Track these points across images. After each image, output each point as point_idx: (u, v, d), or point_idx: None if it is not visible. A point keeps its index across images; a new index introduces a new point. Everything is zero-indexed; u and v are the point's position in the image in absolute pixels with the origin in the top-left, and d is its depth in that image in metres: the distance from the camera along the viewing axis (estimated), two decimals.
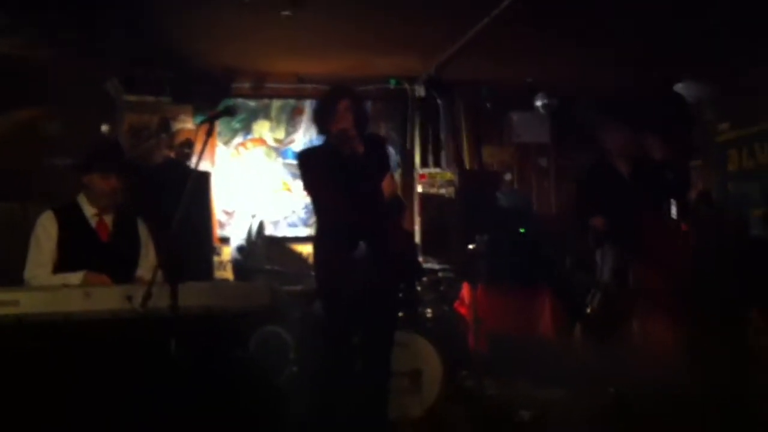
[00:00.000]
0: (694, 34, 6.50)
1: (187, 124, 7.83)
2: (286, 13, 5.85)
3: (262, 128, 8.14)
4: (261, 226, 7.39)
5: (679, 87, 7.95)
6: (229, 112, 4.05)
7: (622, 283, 5.20)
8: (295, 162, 7.85)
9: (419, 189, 8.23)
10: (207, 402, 3.42)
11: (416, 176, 8.32)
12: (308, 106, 8.04)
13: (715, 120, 7.90)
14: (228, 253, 7.49)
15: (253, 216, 7.39)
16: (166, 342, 3.20)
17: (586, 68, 7.56)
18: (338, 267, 4.21)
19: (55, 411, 3.22)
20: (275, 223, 7.99)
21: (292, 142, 8.13)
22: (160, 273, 3.35)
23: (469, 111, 8.60)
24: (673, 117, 7.76)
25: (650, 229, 5.13)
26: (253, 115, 8.12)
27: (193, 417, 3.29)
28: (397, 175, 8.14)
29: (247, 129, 8.09)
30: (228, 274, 7.47)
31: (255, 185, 7.99)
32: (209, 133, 3.61)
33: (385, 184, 4.23)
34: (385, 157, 4.53)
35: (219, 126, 7.82)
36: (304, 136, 8.10)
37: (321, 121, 4.31)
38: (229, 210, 7.87)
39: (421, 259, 6.93)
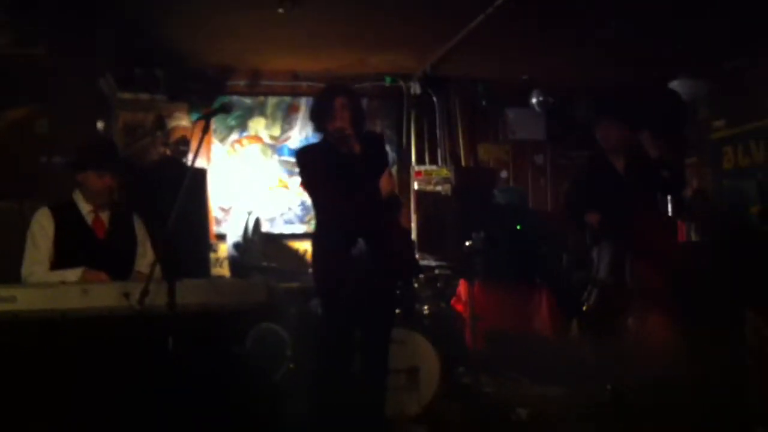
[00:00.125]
0: (691, 33, 6.51)
1: (182, 121, 7.80)
2: (281, 10, 5.85)
3: (258, 125, 8.13)
4: (257, 223, 7.38)
5: (674, 84, 7.96)
6: (225, 110, 4.05)
7: (618, 280, 5.22)
8: (291, 159, 7.89)
9: (415, 186, 8.23)
10: (204, 399, 3.42)
11: (412, 173, 8.32)
12: (304, 103, 8.03)
13: (710, 117, 7.91)
14: (224, 249, 7.49)
15: (250, 213, 7.38)
16: (163, 339, 3.20)
17: (582, 65, 7.57)
18: (336, 264, 4.22)
19: (52, 408, 3.22)
20: (271, 220, 7.98)
21: (287, 139, 8.12)
22: (157, 270, 3.35)
23: (464, 108, 8.61)
24: (669, 114, 7.78)
25: (646, 225, 5.14)
26: (249, 113, 8.10)
27: (191, 414, 3.29)
28: (394, 172, 8.13)
29: (242, 126, 8.08)
30: (224, 270, 7.46)
31: (251, 182, 7.98)
32: (205, 131, 3.61)
33: (383, 182, 4.22)
34: (383, 154, 4.51)
35: (215, 123, 7.81)
36: (300, 134, 8.09)
37: (318, 119, 4.31)
38: (226, 207, 7.86)
39: (417, 256, 6.94)
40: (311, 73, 7.86)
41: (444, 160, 8.42)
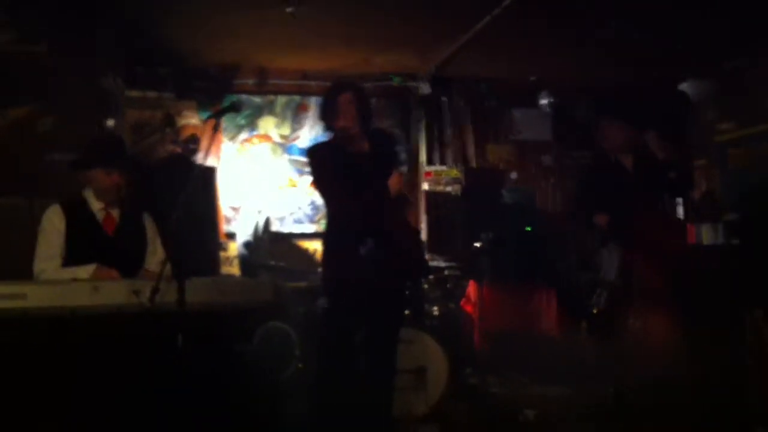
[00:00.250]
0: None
1: (191, 119, 7.82)
2: (289, 9, 5.85)
3: (268, 124, 8.13)
4: (267, 223, 7.39)
5: (683, 86, 7.94)
6: (235, 108, 4.05)
7: (626, 282, 5.21)
8: (300, 158, 7.89)
9: (425, 186, 8.23)
10: (212, 397, 3.42)
11: (422, 173, 8.31)
12: (313, 102, 8.02)
13: (718, 119, 7.89)
14: (234, 248, 7.50)
15: (259, 212, 7.39)
16: (172, 337, 3.21)
17: (585, 65, 7.57)
18: (343, 262, 4.22)
19: (62, 405, 3.23)
20: (281, 220, 7.99)
21: (297, 138, 8.13)
22: (167, 268, 3.36)
23: (472, 108, 8.60)
24: (676, 116, 7.78)
25: (653, 226, 5.13)
26: (259, 111, 8.11)
27: (199, 412, 3.29)
28: (405, 172, 8.13)
29: (252, 125, 8.08)
30: (234, 269, 7.47)
31: (261, 181, 7.99)
32: (215, 129, 3.62)
33: (392, 182, 4.20)
34: (393, 153, 4.49)
35: (224, 122, 7.81)
36: (310, 133, 8.08)
37: (325, 118, 4.30)
38: (236, 206, 7.87)
39: (427, 256, 6.94)
40: (320, 73, 7.85)
41: (453, 161, 8.42)
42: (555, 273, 6.79)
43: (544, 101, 8.40)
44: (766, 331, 4.99)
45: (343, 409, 4.14)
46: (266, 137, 8.09)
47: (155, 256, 4.17)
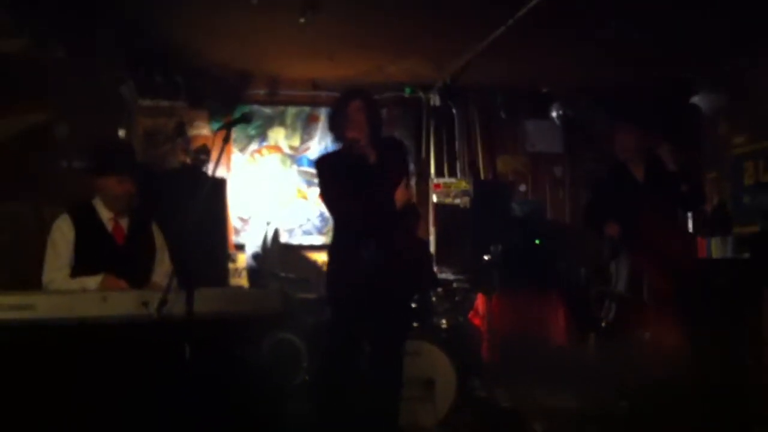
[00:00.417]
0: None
1: (202, 130, 7.85)
2: (303, 20, 5.87)
3: (278, 135, 8.16)
4: (276, 234, 7.40)
5: (695, 99, 7.93)
6: (246, 119, 4.06)
7: (637, 294, 5.19)
8: (310, 169, 7.90)
9: (434, 199, 8.22)
10: (220, 407, 3.42)
11: (431, 186, 8.31)
12: (323, 113, 8.02)
13: (731, 132, 7.86)
14: (243, 260, 7.50)
15: (268, 223, 7.39)
16: (180, 348, 3.20)
17: (600, 71, 7.57)
18: (345, 272, 4.21)
19: (70, 415, 3.23)
20: (290, 231, 8.00)
21: (307, 149, 8.14)
22: (175, 279, 3.36)
23: (483, 120, 8.60)
24: (688, 128, 7.76)
25: (664, 239, 5.12)
26: (269, 122, 8.13)
27: (207, 423, 3.29)
28: (413, 184, 8.13)
29: (262, 136, 8.11)
30: (243, 281, 7.48)
31: (270, 192, 8.00)
32: (225, 140, 3.62)
33: (398, 193, 4.14)
34: (402, 163, 4.45)
35: (234, 133, 7.83)
36: (320, 144, 8.09)
37: (335, 127, 4.29)
38: (245, 217, 7.89)
39: (436, 269, 6.93)
40: (330, 82, 7.86)
41: (463, 173, 8.41)
42: (564, 285, 6.78)
43: (555, 113, 8.38)
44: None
45: (349, 419, 4.13)
46: (276, 148, 8.11)
47: (163, 266, 4.17)
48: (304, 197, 8.07)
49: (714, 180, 8.08)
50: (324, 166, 4.37)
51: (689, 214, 7.11)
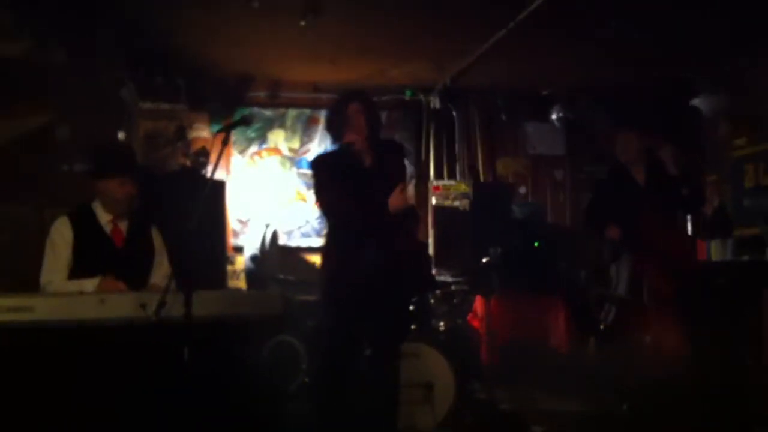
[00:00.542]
0: (716, 39, 6.51)
1: (203, 132, 7.85)
2: (303, 23, 5.87)
3: (278, 137, 8.16)
4: (275, 236, 7.40)
5: (695, 101, 7.92)
6: (245, 122, 4.06)
7: (637, 297, 5.18)
8: (309, 172, 7.89)
9: (433, 201, 8.22)
10: (219, 410, 3.41)
11: (430, 188, 8.31)
12: (323, 115, 8.00)
13: (730, 135, 7.86)
14: (241, 262, 7.51)
15: (267, 225, 7.40)
16: (178, 350, 3.20)
17: (603, 76, 7.57)
18: (338, 274, 4.19)
19: (68, 417, 3.22)
20: (289, 233, 8.00)
21: (307, 151, 8.14)
22: (173, 281, 3.36)
23: (484, 122, 8.60)
24: (689, 130, 7.76)
25: (665, 241, 5.12)
26: (269, 125, 8.14)
27: (205, 425, 3.28)
28: (412, 187, 8.14)
29: (262, 138, 8.11)
30: (241, 283, 7.48)
31: (269, 195, 8.00)
32: (225, 142, 3.62)
33: (393, 198, 4.07)
34: (400, 167, 4.42)
35: (234, 135, 7.84)
36: (320, 146, 8.09)
37: (333, 128, 4.28)
38: (244, 219, 7.89)
39: (434, 271, 6.92)
40: (331, 86, 7.86)
41: (462, 175, 8.41)
42: (564, 288, 6.77)
43: (556, 115, 8.38)
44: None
45: (348, 421, 4.12)
46: (276, 150, 8.11)
47: (161, 268, 4.17)
48: (303, 199, 8.07)
49: (714, 182, 8.08)
50: (320, 166, 4.35)
51: (688, 217, 7.10)
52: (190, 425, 3.20)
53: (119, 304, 3.38)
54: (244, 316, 3.64)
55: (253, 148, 8.08)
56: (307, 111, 8.21)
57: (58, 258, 3.92)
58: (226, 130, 3.74)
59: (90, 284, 3.79)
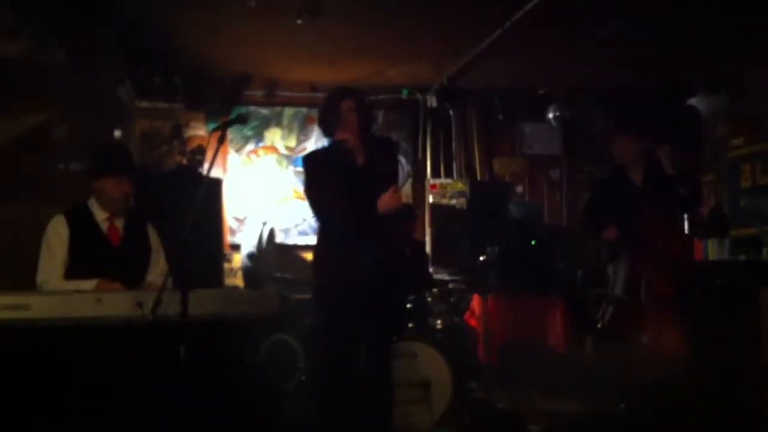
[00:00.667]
0: (716, 39, 6.51)
1: (199, 130, 7.85)
2: (300, 21, 5.86)
3: (274, 136, 8.15)
4: (272, 234, 7.39)
5: (692, 101, 7.93)
6: (242, 120, 4.03)
7: (634, 296, 5.18)
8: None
9: (430, 199, 8.22)
10: (216, 409, 3.41)
11: (427, 186, 8.30)
12: None
13: (728, 135, 7.87)
14: (238, 260, 7.50)
15: (264, 223, 7.39)
16: (175, 349, 3.19)
17: (602, 76, 7.57)
18: (330, 274, 4.18)
19: (64, 416, 3.21)
20: (286, 231, 7.99)
21: (303, 150, 8.13)
22: (170, 280, 3.35)
23: (481, 121, 8.60)
24: (687, 131, 7.76)
25: (662, 241, 5.12)
26: (265, 123, 8.13)
27: (202, 424, 3.28)
28: (409, 185, 8.14)
29: (259, 136, 8.10)
30: (238, 281, 7.47)
31: (266, 193, 7.99)
32: (221, 141, 3.61)
33: (386, 198, 4.03)
34: (393, 166, 4.41)
35: (231, 133, 7.84)
36: (316, 144, 8.06)
37: (326, 124, 4.25)
38: (240, 217, 7.88)
39: (431, 269, 6.92)
40: (328, 85, 7.83)
41: (459, 174, 8.41)
42: (561, 287, 6.77)
43: (553, 114, 8.38)
44: None
45: (345, 420, 4.10)
46: (272, 149, 8.10)
47: (158, 266, 4.15)
48: (300, 197, 8.05)
49: (711, 182, 8.09)
50: (311, 163, 4.33)
51: (685, 216, 7.11)
52: (187, 424, 3.20)
53: (116, 303, 3.37)
54: (240, 314, 3.63)
55: (250, 147, 8.07)
56: (304, 110, 8.20)
57: (55, 257, 3.91)
58: (223, 128, 3.73)
59: (87, 285, 3.78)
